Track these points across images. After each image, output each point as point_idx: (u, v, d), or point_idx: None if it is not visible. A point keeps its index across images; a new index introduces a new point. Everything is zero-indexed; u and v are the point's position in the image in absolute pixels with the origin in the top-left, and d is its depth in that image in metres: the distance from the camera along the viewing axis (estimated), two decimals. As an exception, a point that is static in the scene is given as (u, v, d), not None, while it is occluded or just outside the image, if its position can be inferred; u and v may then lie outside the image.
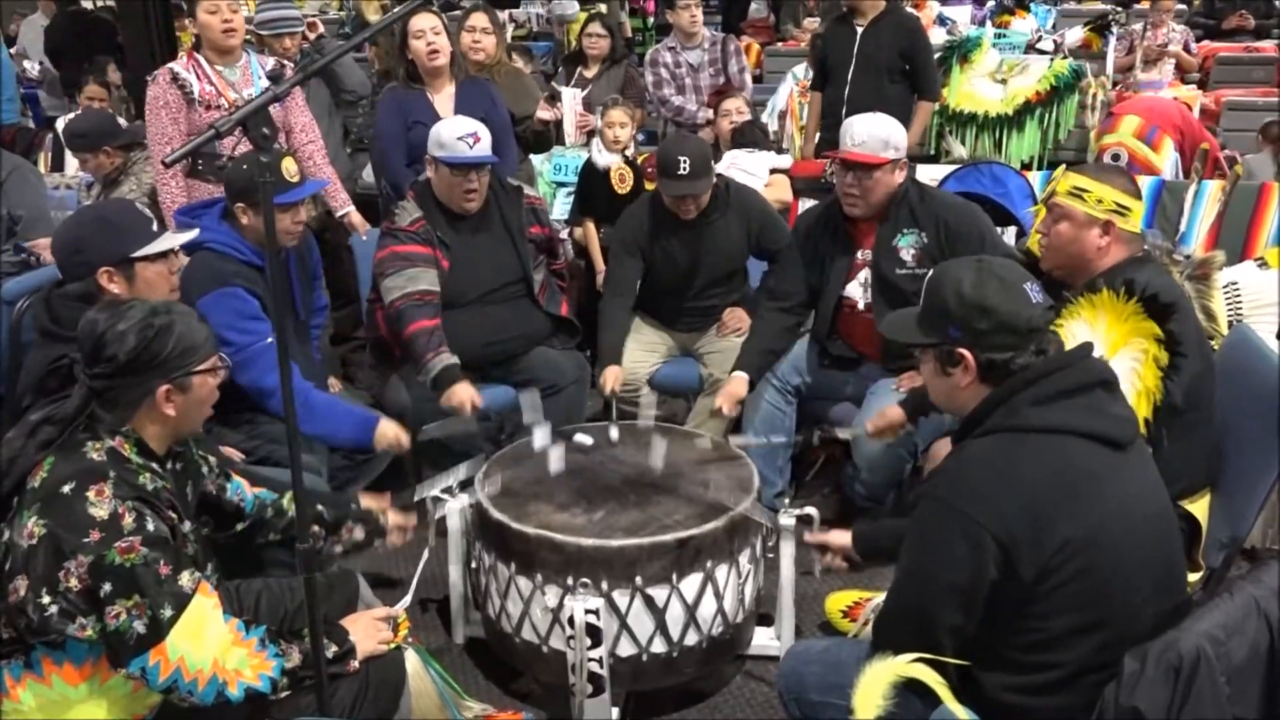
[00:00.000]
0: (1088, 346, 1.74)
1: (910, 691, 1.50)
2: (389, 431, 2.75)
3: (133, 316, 1.80)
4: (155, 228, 2.35)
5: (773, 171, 4.32)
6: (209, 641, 1.74)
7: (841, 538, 2.24)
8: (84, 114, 4.77)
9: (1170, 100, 5.43)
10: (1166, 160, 4.95)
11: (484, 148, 3.12)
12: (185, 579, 1.73)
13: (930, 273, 1.80)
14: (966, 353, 1.68)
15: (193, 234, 2.49)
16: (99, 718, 1.76)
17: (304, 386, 2.73)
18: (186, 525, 1.86)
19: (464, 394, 2.93)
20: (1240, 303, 3.20)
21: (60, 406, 1.79)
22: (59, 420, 1.77)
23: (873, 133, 2.90)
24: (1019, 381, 1.65)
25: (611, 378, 3.19)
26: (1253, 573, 1.56)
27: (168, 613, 1.69)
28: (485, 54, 4.13)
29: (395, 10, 3.90)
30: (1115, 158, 4.84)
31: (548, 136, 4.46)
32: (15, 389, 3.34)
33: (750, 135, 4.50)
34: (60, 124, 5.32)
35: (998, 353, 1.66)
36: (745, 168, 4.30)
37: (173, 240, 2.37)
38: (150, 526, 1.70)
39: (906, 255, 2.97)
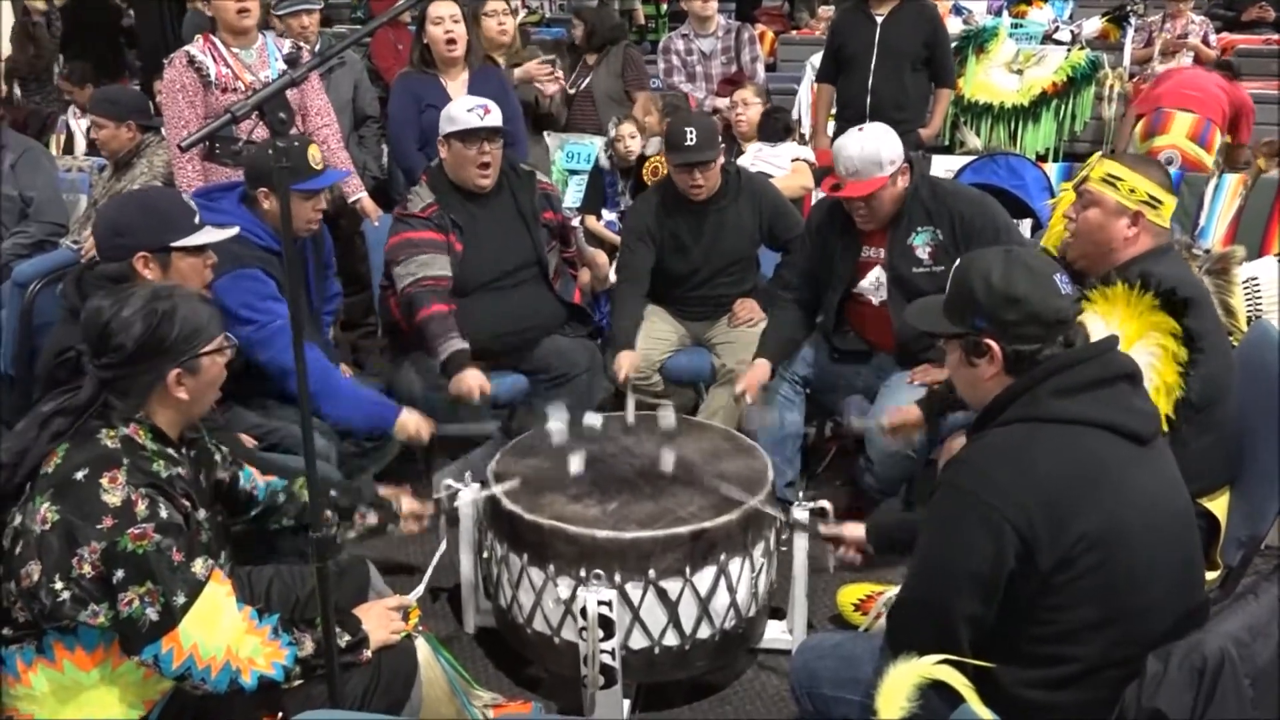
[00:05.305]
0: (1113, 339, 1.72)
1: (930, 689, 1.48)
2: (410, 424, 2.74)
3: (135, 303, 1.78)
4: (196, 220, 2.35)
5: (794, 160, 4.29)
6: (222, 629, 1.73)
7: (855, 530, 2.23)
8: (118, 86, 4.71)
9: (1204, 77, 5.22)
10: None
11: (494, 119, 3.11)
12: (198, 566, 1.73)
13: (958, 261, 1.77)
14: (993, 344, 1.66)
15: (233, 231, 2.46)
16: (110, 703, 1.76)
17: (328, 367, 2.73)
18: (201, 513, 1.85)
19: (472, 380, 2.91)
20: (1260, 299, 3.17)
21: (73, 398, 1.78)
22: (71, 410, 1.76)
23: (865, 155, 2.82)
24: (1041, 372, 1.63)
25: (626, 363, 3.18)
26: (1278, 573, 1.54)
27: (180, 599, 1.68)
28: (510, 36, 4.22)
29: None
30: (1169, 161, 4.64)
31: (553, 117, 4.47)
32: (26, 370, 3.35)
33: (771, 127, 4.47)
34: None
35: (1025, 344, 1.64)
36: (770, 159, 4.28)
37: (213, 235, 2.37)
38: (163, 513, 1.70)
39: (922, 253, 2.94)
